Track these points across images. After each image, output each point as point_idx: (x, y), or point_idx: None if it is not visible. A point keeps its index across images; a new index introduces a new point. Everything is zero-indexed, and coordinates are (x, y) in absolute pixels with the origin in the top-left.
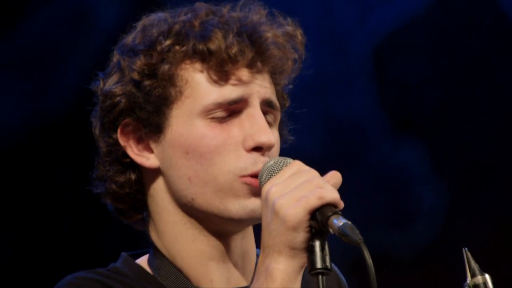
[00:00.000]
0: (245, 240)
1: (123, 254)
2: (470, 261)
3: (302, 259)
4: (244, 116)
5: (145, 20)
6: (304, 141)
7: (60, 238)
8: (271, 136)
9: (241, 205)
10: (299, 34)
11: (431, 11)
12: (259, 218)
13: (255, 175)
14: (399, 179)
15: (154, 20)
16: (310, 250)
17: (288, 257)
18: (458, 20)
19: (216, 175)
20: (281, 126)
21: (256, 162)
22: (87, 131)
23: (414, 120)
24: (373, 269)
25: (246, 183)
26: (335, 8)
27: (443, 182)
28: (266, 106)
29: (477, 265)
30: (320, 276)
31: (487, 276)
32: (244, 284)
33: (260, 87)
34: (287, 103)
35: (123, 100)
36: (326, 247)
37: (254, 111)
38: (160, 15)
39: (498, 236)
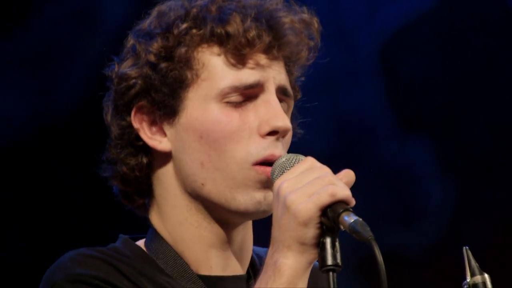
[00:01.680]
0: (245, 230)
1: (122, 235)
2: (470, 260)
3: (311, 255)
4: (259, 101)
5: (161, 7)
6: (311, 138)
7: (68, 233)
8: (287, 120)
9: (249, 196)
10: (315, 22)
11: (439, 8)
12: (265, 211)
13: (267, 160)
14: (406, 176)
15: (171, 6)
16: (321, 246)
17: (297, 252)
18: (465, 17)
19: (228, 162)
20: (292, 118)
21: (269, 146)
22: (94, 128)
23: (422, 117)
24: (383, 265)
25: (258, 172)
26: (343, 5)
27: (451, 179)
28: (281, 94)
29: (477, 264)
30: (330, 273)
31: (486, 275)
32: (240, 272)
33: (277, 74)
34: (299, 95)
35: (139, 82)
36: (337, 244)
37: (270, 96)
38: (177, 1)
39: (506, 233)
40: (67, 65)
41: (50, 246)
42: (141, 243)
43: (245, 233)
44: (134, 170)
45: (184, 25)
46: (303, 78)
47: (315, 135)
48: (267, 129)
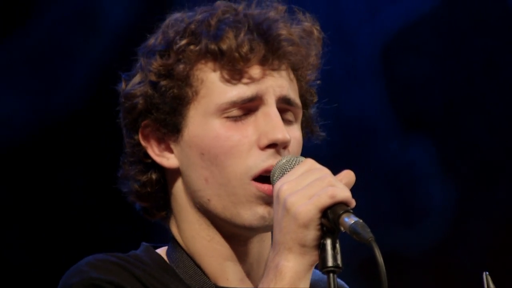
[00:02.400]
0: (261, 243)
1: (144, 243)
2: (489, 285)
3: (312, 257)
4: (259, 114)
5: (167, 21)
6: (312, 140)
7: (69, 234)
8: (285, 132)
9: (252, 212)
10: (315, 30)
11: (439, 9)
12: (271, 226)
13: (267, 171)
14: (407, 177)
15: (173, 21)
16: (321, 248)
17: (298, 254)
18: (465, 17)
19: (229, 178)
20: (309, 122)
21: (268, 158)
22: (95, 128)
23: (422, 118)
24: (383, 267)
25: (258, 190)
26: (343, 7)
27: (451, 180)
28: (284, 104)
29: None
30: (331, 274)
31: None
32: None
33: (276, 85)
34: (315, 99)
35: (140, 102)
36: (338, 245)
37: (269, 109)
38: (179, 15)
39: (506, 233)
40: (68, 66)
41: (51, 247)
42: (162, 251)
43: (261, 245)
44: (146, 186)
45: (183, 42)
46: (318, 82)
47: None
48: (265, 142)
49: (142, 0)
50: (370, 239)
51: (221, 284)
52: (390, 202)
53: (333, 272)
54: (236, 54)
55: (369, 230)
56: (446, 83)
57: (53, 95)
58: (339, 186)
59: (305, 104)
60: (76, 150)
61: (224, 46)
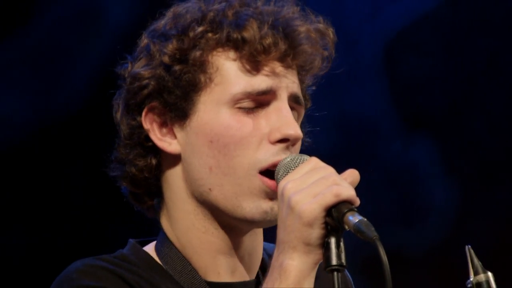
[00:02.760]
0: (254, 236)
1: (131, 240)
2: (473, 258)
3: (317, 255)
4: (271, 108)
5: (176, 8)
6: (315, 139)
7: (70, 234)
8: (298, 129)
9: (255, 205)
10: (330, 32)
11: (442, 8)
12: (270, 221)
13: (274, 166)
14: (410, 176)
15: (187, 8)
16: (325, 246)
17: (303, 253)
18: (468, 17)
19: (236, 168)
20: (301, 126)
21: (278, 153)
22: (96, 128)
23: (425, 118)
24: (388, 265)
25: (263, 183)
26: (346, 5)
27: (454, 179)
28: (293, 102)
29: (480, 263)
30: (335, 273)
31: (489, 274)
32: (248, 278)
33: (290, 82)
34: (309, 104)
35: (151, 83)
36: (342, 244)
37: (282, 104)
38: (193, 3)
39: (509, 233)
40: (68, 66)
41: (51, 246)
42: (150, 247)
43: (254, 238)
44: (143, 171)
45: (200, 28)
46: (314, 88)
47: (319, 136)
48: (278, 136)
49: (144, 1)
50: (374, 237)
51: (212, 279)
52: (392, 202)
53: (338, 270)
54: (259, 46)
55: (373, 228)
56: (448, 82)
57: (54, 95)
58: (343, 184)
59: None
60: (77, 150)
61: (247, 35)
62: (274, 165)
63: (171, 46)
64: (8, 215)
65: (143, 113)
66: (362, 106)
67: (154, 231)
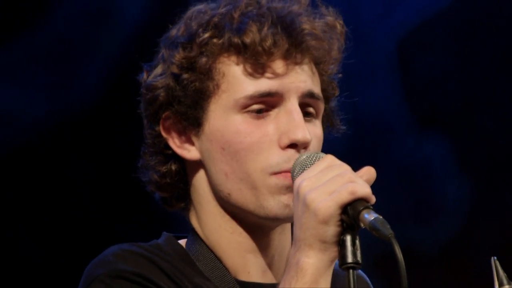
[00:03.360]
0: (283, 235)
1: (165, 233)
2: (498, 270)
3: (333, 253)
4: (281, 111)
5: (189, 13)
6: (328, 136)
7: (84, 230)
8: (306, 132)
9: (276, 202)
10: (338, 24)
11: (455, 6)
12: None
13: (286, 172)
14: (423, 174)
15: (196, 12)
16: (341, 244)
17: (319, 250)
18: (481, 14)
19: (249, 173)
20: (330, 116)
21: (290, 159)
22: (110, 125)
23: (438, 115)
24: (403, 263)
25: (278, 179)
26: (360, 3)
27: (467, 177)
28: (307, 98)
29: (505, 274)
30: (351, 271)
31: None
32: (280, 279)
33: (298, 80)
34: (337, 92)
35: (162, 94)
36: (357, 241)
37: (291, 106)
38: (202, 7)
39: None
40: (82, 64)
41: (64, 243)
42: (183, 242)
43: (283, 237)
44: (165, 176)
45: (206, 35)
46: (340, 75)
47: (332, 133)
48: (286, 141)
49: None
50: (390, 235)
51: (242, 278)
52: (405, 199)
53: (353, 268)
54: (259, 48)
55: (389, 226)
56: (462, 80)
57: (66, 93)
58: (359, 182)
59: (326, 98)
60: (91, 146)
61: (247, 40)
62: (287, 171)
63: (178, 56)
64: (21, 213)
65: (161, 123)
66: (375, 104)
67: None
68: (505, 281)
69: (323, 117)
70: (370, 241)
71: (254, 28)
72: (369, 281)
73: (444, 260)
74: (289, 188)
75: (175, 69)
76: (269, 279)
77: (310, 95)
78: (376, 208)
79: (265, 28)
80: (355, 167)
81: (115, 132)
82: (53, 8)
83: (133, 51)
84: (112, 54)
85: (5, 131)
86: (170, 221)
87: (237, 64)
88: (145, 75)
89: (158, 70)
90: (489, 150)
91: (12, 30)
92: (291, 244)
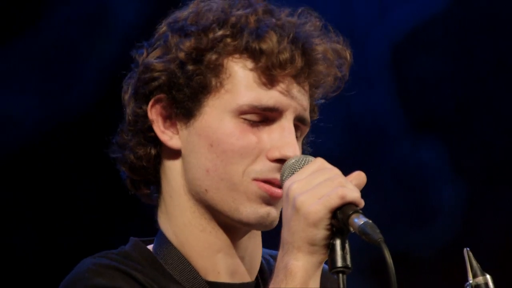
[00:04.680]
0: (252, 238)
1: (133, 238)
2: (472, 261)
3: (321, 255)
4: (275, 126)
5: (201, 3)
6: (322, 140)
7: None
8: (297, 151)
9: (252, 210)
10: (348, 54)
11: (450, 9)
12: (267, 225)
13: (268, 182)
14: (418, 177)
15: (211, 5)
16: (330, 248)
17: (307, 253)
18: (477, 17)
19: (232, 175)
20: (303, 138)
21: (274, 171)
22: (106, 128)
23: (433, 118)
24: (393, 268)
25: (259, 188)
26: (354, 6)
27: (463, 180)
28: (298, 121)
29: (478, 265)
30: (340, 275)
31: (488, 276)
32: (249, 279)
33: (298, 103)
34: (315, 116)
35: (163, 77)
36: (347, 245)
37: (287, 124)
38: (218, 2)
39: None
40: (79, 66)
41: (65, 245)
42: (150, 247)
43: (253, 240)
44: (141, 159)
45: (221, 32)
46: (323, 101)
47: (327, 137)
48: (276, 155)
49: (152, 1)
50: (379, 240)
51: (212, 279)
52: (400, 203)
53: (343, 272)
54: (275, 60)
55: (378, 231)
56: (456, 83)
57: (63, 95)
58: (349, 186)
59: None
60: (88, 150)
61: (265, 47)
62: (268, 181)
63: (188, 44)
64: (20, 215)
65: (150, 104)
66: (370, 107)
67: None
68: (478, 272)
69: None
70: (364, 244)
71: (274, 38)
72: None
73: (439, 263)
74: (268, 200)
75: (182, 56)
76: (238, 279)
77: (302, 120)
78: (371, 212)
79: (285, 41)
80: (350, 171)
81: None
82: (48, 13)
83: (128, 55)
84: (108, 58)
85: (1, 136)
86: None
87: (249, 69)
88: (144, 53)
89: (159, 51)
90: (484, 154)
91: (6, 35)
92: (261, 248)
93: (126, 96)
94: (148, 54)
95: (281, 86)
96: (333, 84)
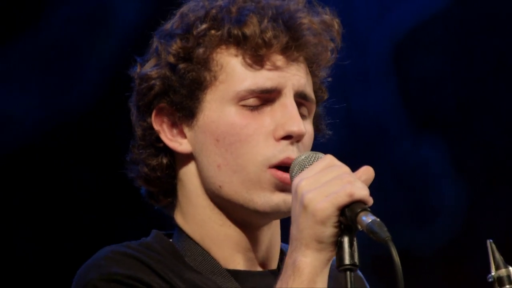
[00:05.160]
0: (271, 230)
1: (155, 231)
2: (494, 253)
3: (329, 252)
4: (276, 105)
5: (184, 7)
6: (318, 138)
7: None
8: (301, 125)
9: (266, 199)
10: (336, 23)
11: (451, 8)
12: (285, 213)
13: (283, 164)
14: (419, 176)
15: (192, 6)
16: (338, 245)
17: (315, 250)
18: (478, 16)
19: (245, 165)
20: (318, 119)
21: (284, 150)
22: (107, 128)
23: (434, 117)
24: (400, 266)
25: (273, 176)
26: (355, 5)
27: (464, 179)
28: (300, 98)
29: (501, 257)
30: (348, 272)
31: (511, 268)
32: (269, 268)
33: (295, 77)
34: (326, 96)
35: (157, 83)
36: (355, 243)
37: (287, 100)
38: (199, 1)
39: None
40: (79, 65)
41: (63, 244)
42: (171, 240)
43: (272, 232)
44: (155, 170)
45: (203, 26)
46: (330, 79)
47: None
48: (281, 133)
49: (152, 1)
50: (387, 238)
51: (232, 267)
52: (402, 202)
53: (350, 270)
54: (260, 40)
55: (386, 229)
56: (458, 82)
57: (64, 95)
58: (357, 184)
59: (316, 101)
60: (88, 149)
61: (247, 31)
62: (284, 162)
63: (175, 45)
64: (20, 215)
65: (153, 114)
66: (372, 106)
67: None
68: (501, 264)
69: (313, 118)
70: (369, 242)
71: (254, 20)
72: (365, 280)
73: (441, 262)
74: (282, 187)
75: (171, 59)
76: (258, 267)
77: (303, 96)
78: (373, 210)
79: (265, 21)
80: (352, 170)
81: (112, 135)
82: (48, 12)
83: (128, 54)
84: (108, 58)
85: (1, 136)
86: (167, 221)
87: (236, 55)
88: (138, 68)
89: (152, 62)
90: (485, 153)
91: (7, 35)
92: (279, 238)
93: (133, 115)
94: (142, 68)
95: (273, 64)
96: (328, 56)
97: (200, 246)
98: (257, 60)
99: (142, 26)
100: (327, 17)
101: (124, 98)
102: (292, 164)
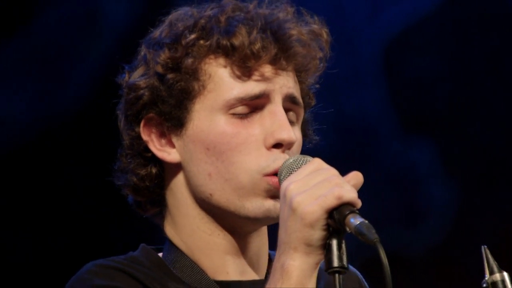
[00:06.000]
0: (260, 237)
1: (142, 245)
2: (489, 258)
3: (318, 255)
4: (265, 112)
5: (173, 15)
6: (305, 144)
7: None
8: (291, 132)
9: (258, 204)
10: (324, 33)
11: (442, 9)
12: (274, 218)
13: (276, 173)
14: (409, 177)
15: (181, 15)
16: (327, 248)
17: (304, 253)
18: (469, 17)
19: (237, 174)
20: (305, 125)
21: (277, 159)
22: (97, 130)
23: (425, 118)
24: (388, 268)
25: (268, 183)
26: (346, 6)
27: (454, 180)
28: (289, 102)
29: (495, 262)
30: (337, 275)
31: (505, 274)
32: (258, 277)
33: (283, 84)
34: (313, 102)
35: (146, 93)
36: (343, 245)
37: (276, 107)
38: (187, 10)
39: (510, 234)
40: (70, 67)
41: (55, 247)
42: (160, 254)
43: (260, 239)
44: (144, 180)
45: (192, 36)
46: (317, 86)
47: (318, 136)
48: (271, 141)
49: (143, 2)
50: (375, 240)
51: (221, 278)
52: (392, 203)
53: (339, 272)
54: (248, 51)
55: (374, 231)
56: (449, 84)
57: (56, 96)
58: (346, 187)
59: (303, 106)
60: (80, 151)
61: (236, 42)
62: (276, 172)
63: (163, 55)
64: (12, 217)
65: (141, 124)
66: (362, 107)
67: (157, 236)
68: (495, 269)
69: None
70: (359, 244)
71: (243, 31)
72: (361, 277)
73: (431, 263)
74: (275, 193)
75: (159, 69)
76: (247, 277)
77: (292, 99)
78: (363, 212)
79: (254, 32)
80: (342, 172)
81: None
82: (39, 13)
83: (120, 55)
84: (99, 58)
85: None
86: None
87: (224, 66)
88: (126, 76)
89: (140, 70)
90: (476, 154)
91: None
92: (267, 247)
93: (121, 123)
94: (130, 77)
95: (261, 74)
96: (317, 65)
97: (189, 258)
98: (245, 70)
99: (133, 27)
100: (315, 26)
101: (117, 97)
102: (280, 168)
